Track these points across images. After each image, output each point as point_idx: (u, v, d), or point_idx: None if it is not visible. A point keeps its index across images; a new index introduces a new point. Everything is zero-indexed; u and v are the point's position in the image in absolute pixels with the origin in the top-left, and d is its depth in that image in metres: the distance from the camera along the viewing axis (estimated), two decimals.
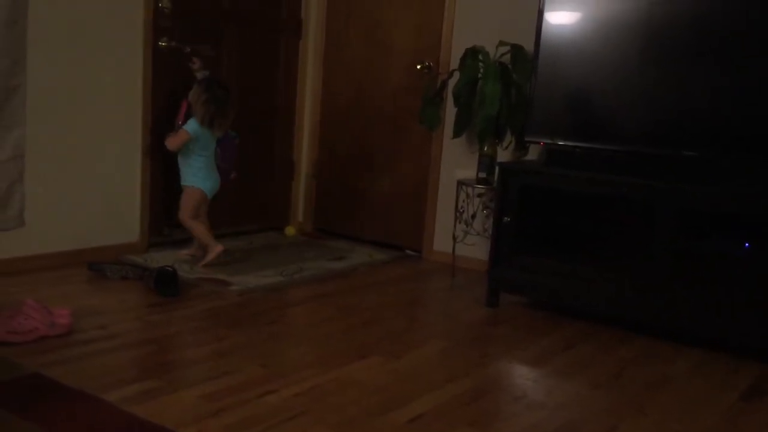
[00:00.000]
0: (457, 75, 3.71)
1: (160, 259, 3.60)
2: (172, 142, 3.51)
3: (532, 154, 3.67)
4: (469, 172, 3.83)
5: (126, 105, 3.60)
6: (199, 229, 3.61)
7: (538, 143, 3.41)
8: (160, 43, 3.69)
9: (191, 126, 3.49)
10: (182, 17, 3.79)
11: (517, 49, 3.57)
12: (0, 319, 2.47)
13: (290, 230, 4.50)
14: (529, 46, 3.45)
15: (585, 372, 2.62)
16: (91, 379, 2.21)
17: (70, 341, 2.51)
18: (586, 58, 3.18)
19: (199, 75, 3.65)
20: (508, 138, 3.70)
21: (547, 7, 3.24)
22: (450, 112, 3.88)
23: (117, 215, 3.65)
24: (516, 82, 3.56)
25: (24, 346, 2.41)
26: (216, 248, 3.59)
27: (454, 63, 3.80)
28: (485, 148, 3.65)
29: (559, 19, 3.23)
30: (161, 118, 3.71)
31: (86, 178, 3.49)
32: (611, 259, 3.08)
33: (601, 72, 3.15)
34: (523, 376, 2.58)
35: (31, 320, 2.47)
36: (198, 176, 3.57)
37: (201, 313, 2.94)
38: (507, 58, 3.62)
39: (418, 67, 4.11)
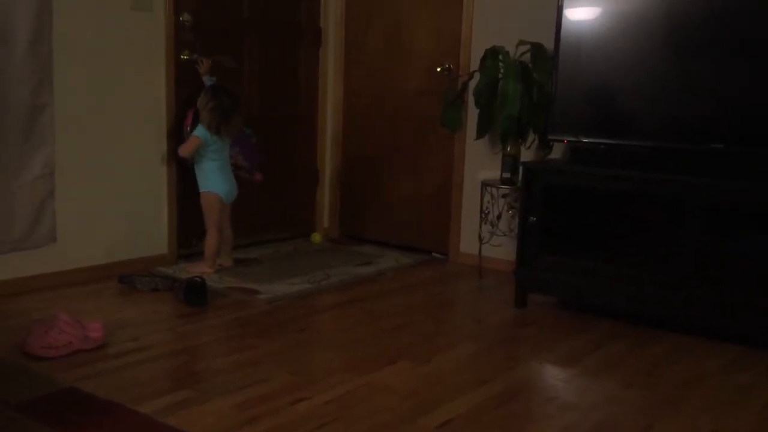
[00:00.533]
0: (477, 76, 3.70)
1: (189, 270, 3.63)
2: (184, 149, 3.54)
3: (556, 152, 3.65)
4: (493, 172, 3.82)
5: (150, 119, 3.65)
6: (212, 242, 3.63)
7: (562, 141, 3.39)
8: (181, 56, 3.74)
9: (200, 131, 3.52)
10: (202, 30, 3.83)
11: (536, 48, 3.56)
12: (35, 334, 2.52)
13: (316, 237, 4.52)
14: (549, 45, 3.43)
15: (616, 371, 2.60)
16: (126, 391, 2.24)
17: (104, 354, 2.55)
18: (607, 54, 3.15)
19: (207, 80, 3.67)
20: (531, 137, 3.68)
21: (566, 4, 3.22)
22: (471, 113, 3.87)
23: (146, 228, 3.70)
24: (537, 81, 3.55)
25: (59, 361, 2.45)
26: (208, 269, 3.60)
27: (474, 64, 3.79)
28: (508, 148, 3.64)
29: (578, 15, 3.21)
30: (183, 131, 3.75)
31: (114, 193, 3.54)
32: (639, 257, 3.04)
33: (623, 67, 3.13)
34: (553, 377, 2.57)
35: (64, 335, 2.51)
36: (212, 180, 3.60)
37: (230, 323, 2.97)
38: (527, 57, 3.60)
39: (438, 69, 4.11)
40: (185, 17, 3.74)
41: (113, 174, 3.53)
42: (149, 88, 3.62)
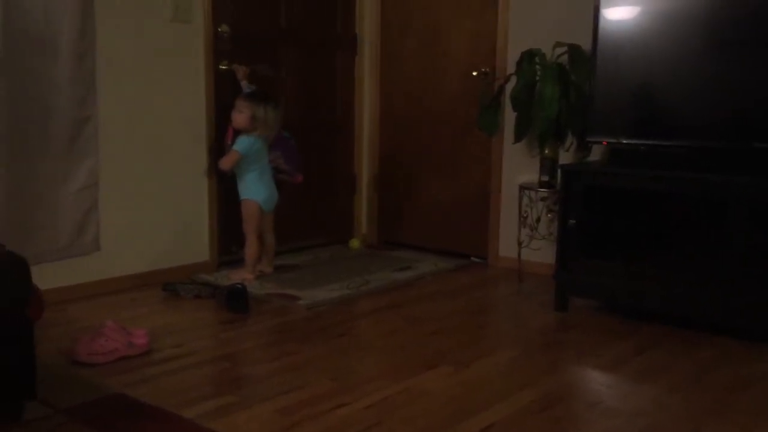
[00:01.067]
0: (513, 79, 3.68)
1: (230, 276, 3.68)
2: (224, 163, 3.57)
3: (595, 154, 3.61)
4: (531, 175, 3.79)
5: (191, 129, 3.71)
6: (252, 249, 3.67)
7: (601, 143, 3.35)
8: (220, 67, 3.79)
9: (240, 144, 3.54)
10: (240, 40, 3.89)
11: (574, 49, 3.53)
12: (82, 341, 2.58)
13: (355, 243, 4.54)
14: (586, 46, 3.40)
15: (662, 376, 2.55)
16: (170, 396, 2.28)
17: (149, 360, 2.59)
18: (646, 53, 3.11)
19: (245, 87, 3.71)
20: (569, 139, 3.65)
21: (603, 4, 3.19)
22: (508, 116, 3.85)
23: (188, 236, 3.76)
24: (575, 83, 3.52)
25: (105, 367, 2.51)
26: (248, 275, 3.63)
27: (511, 67, 3.77)
28: (546, 151, 3.61)
29: (616, 15, 3.17)
30: (223, 143, 3.81)
31: (157, 202, 3.61)
32: (682, 259, 2.99)
33: (663, 66, 3.08)
34: (596, 382, 2.54)
35: (111, 341, 2.57)
36: (251, 189, 3.64)
37: (271, 329, 3.00)
38: (564, 59, 3.57)
39: (475, 73, 4.10)
40: (223, 28, 3.80)
41: (155, 183, 3.59)
42: (189, 98, 3.68)
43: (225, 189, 3.85)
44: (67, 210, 3.24)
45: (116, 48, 3.35)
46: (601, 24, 3.20)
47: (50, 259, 3.15)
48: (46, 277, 2.96)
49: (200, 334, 2.90)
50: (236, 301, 3.17)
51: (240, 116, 3.52)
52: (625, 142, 3.19)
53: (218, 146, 3.75)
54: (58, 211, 3.21)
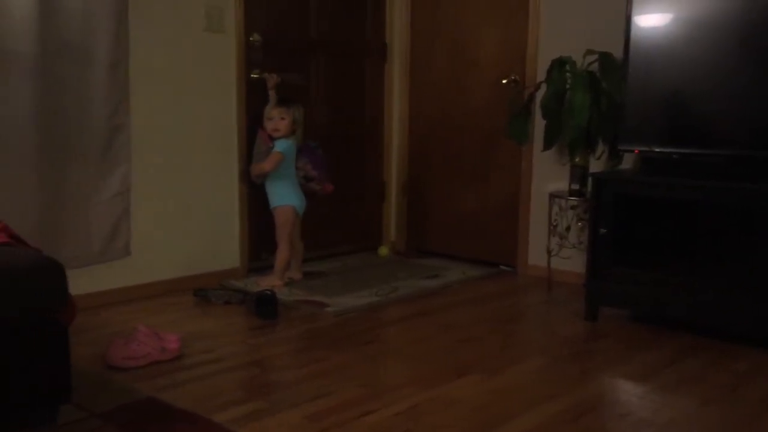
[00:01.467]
0: (543, 87, 3.67)
1: (259, 283, 3.71)
2: (268, 165, 3.59)
3: (626, 162, 3.58)
4: (561, 184, 3.77)
5: (223, 136, 3.75)
6: (284, 256, 3.69)
7: (632, 151, 3.32)
8: (251, 75, 3.84)
9: (282, 146, 3.59)
10: (271, 49, 3.93)
11: (605, 57, 3.50)
12: (116, 345, 2.61)
13: (383, 250, 4.54)
14: (617, 53, 3.38)
15: (694, 387, 2.51)
16: (201, 401, 2.30)
17: (180, 365, 2.62)
18: (679, 61, 3.08)
19: (273, 96, 3.75)
20: (600, 147, 3.62)
21: (635, 11, 3.17)
22: (538, 125, 3.84)
23: (218, 243, 3.80)
24: (606, 91, 3.49)
25: (138, 371, 2.54)
26: (278, 282, 3.66)
27: (541, 75, 3.76)
28: (577, 159, 3.59)
29: (648, 22, 3.15)
30: (256, 149, 3.84)
31: (188, 209, 3.65)
32: (714, 268, 2.95)
33: (697, 74, 3.05)
34: (627, 392, 2.51)
35: (143, 346, 2.60)
36: (286, 195, 3.68)
37: (300, 335, 3.02)
38: (595, 67, 3.55)
39: (504, 81, 4.10)
40: (255, 37, 3.84)
41: (186, 191, 3.64)
42: (221, 107, 3.73)
43: (255, 196, 3.89)
44: (99, 216, 3.29)
45: (149, 57, 3.40)
46: (633, 31, 3.17)
47: (83, 265, 3.21)
48: (79, 282, 3.01)
49: (230, 340, 2.93)
50: (265, 307, 3.20)
51: (283, 123, 3.59)
52: (657, 150, 3.16)
53: (248, 154, 3.79)
54: (91, 218, 3.27)
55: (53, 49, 3.05)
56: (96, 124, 3.23)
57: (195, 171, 3.66)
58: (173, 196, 3.59)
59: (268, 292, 3.26)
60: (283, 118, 3.59)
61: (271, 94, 3.77)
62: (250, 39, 3.83)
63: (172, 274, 3.60)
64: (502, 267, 4.23)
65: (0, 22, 2.89)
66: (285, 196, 3.68)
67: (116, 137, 3.32)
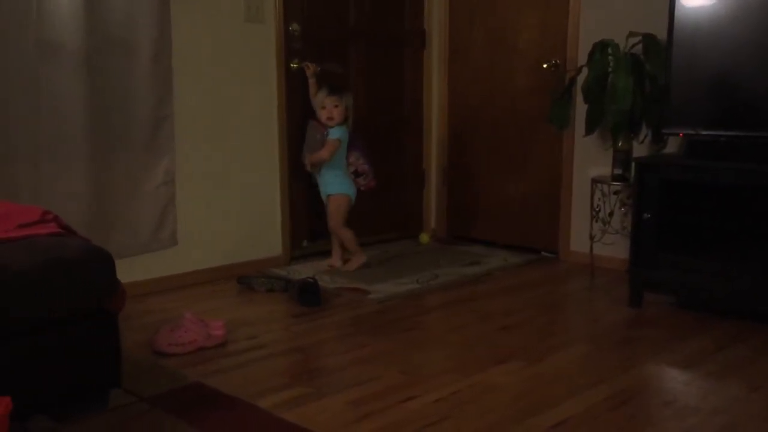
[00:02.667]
0: (585, 71, 3.62)
1: (301, 270, 3.76)
2: (326, 153, 3.63)
3: (670, 147, 3.51)
4: (604, 169, 3.72)
5: (264, 125, 3.80)
6: (350, 236, 3.77)
7: (677, 135, 3.26)
8: (291, 65, 3.86)
9: (338, 133, 3.64)
10: (310, 39, 3.95)
11: (648, 39, 3.44)
12: (162, 332, 2.68)
13: (424, 237, 4.55)
14: (661, 35, 3.31)
15: (741, 374, 2.47)
16: (246, 386, 2.35)
17: (225, 351, 2.68)
18: (725, 41, 3.00)
19: (313, 85, 3.78)
20: (644, 131, 3.56)
21: None
22: (580, 109, 3.79)
23: (261, 231, 3.85)
24: (649, 73, 3.43)
25: (185, 357, 2.60)
26: (361, 258, 3.76)
27: (582, 59, 3.71)
28: (620, 144, 3.54)
29: (692, 2, 3.07)
30: (296, 136, 3.88)
31: (231, 198, 3.71)
32: (762, 254, 2.88)
33: (743, 54, 2.97)
34: (672, 380, 2.48)
35: (190, 332, 2.66)
36: (343, 183, 3.74)
37: (342, 322, 3.05)
38: (638, 49, 3.48)
39: (545, 66, 4.05)
40: (294, 27, 3.87)
41: (230, 180, 3.69)
42: (261, 96, 3.77)
43: (297, 185, 3.92)
44: (146, 206, 3.37)
45: (191, 48, 3.45)
46: (677, 12, 3.10)
47: (131, 254, 3.29)
48: (127, 270, 3.09)
49: (274, 327, 2.97)
50: (308, 294, 3.23)
51: (337, 110, 3.64)
52: (702, 133, 3.09)
53: (298, 143, 3.81)
54: (138, 208, 3.34)
55: (99, 43, 3.11)
56: (141, 116, 3.29)
57: (237, 160, 3.71)
58: (216, 185, 3.64)
59: (310, 280, 3.30)
60: (336, 106, 3.64)
61: (311, 82, 3.79)
62: (290, 29, 3.85)
63: (216, 263, 3.67)
64: (544, 253, 4.20)
65: (50, 17, 2.96)
66: (341, 185, 3.74)
67: (160, 128, 3.38)
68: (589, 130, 3.65)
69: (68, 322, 2.01)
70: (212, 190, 3.63)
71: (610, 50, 3.50)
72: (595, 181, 3.70)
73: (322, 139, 3.65)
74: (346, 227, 3.78)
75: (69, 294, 1.98)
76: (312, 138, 3.71)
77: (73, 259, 2.00)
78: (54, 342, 1.99)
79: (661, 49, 3.34)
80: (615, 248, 3.76)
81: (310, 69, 3.80)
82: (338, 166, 3.72)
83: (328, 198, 3.77)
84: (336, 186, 3.74)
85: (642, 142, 3.59)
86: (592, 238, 3.76)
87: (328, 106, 3.64)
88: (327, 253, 3.97)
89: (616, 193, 3.71)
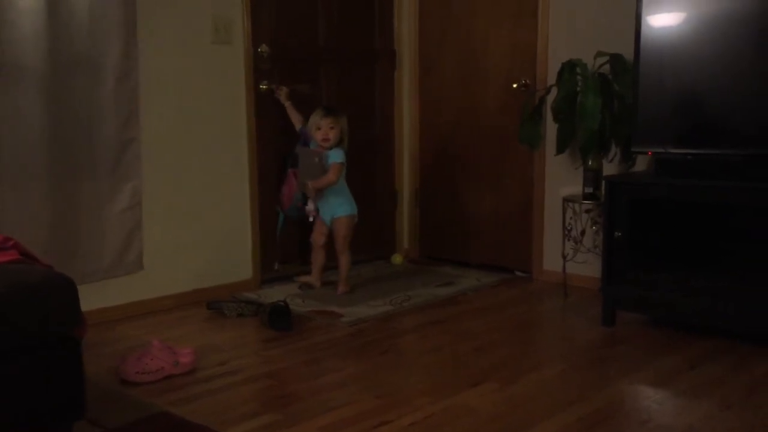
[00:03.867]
0: (554, 91, 3.64)
1: (272, 294, 3.70)
2: (334, 177, 3.60)
3: (639, 165, 3.54)
4: (575, 188, 3.73)
5: (233, 148, 3.75)
6: (349, 261, 3.76)
7: (646, 153, 3.29)
8: (261, 86, 3.84)
9: (339, 155, 3.62)
10: (280, 59, 3.93)
11: (616, 59, 3.47)
12: (129, 360, 2.61)
13: (397, 258, 4.52)
14: (628, 54, 3.34)
15: (714, 392, 2.47)
16: (215, 414, 2.29)
17: (194, 379, 2.61)
18: (692, 60, 3.04)
19: (288, 103, 3.77)
20: (613, 150, 3.59)
21: (645, 11, 3.13)
22: (550, 128, 3.81)
23: (230, 255, 3.79)
24: (618, 93, 3.46)
25: (152, 386, 2.53)
26: (348, 285, 3.75)
27: (551, 78, 3.74)
28: (590, 162, 3.56)
29: (659, 21, 3.11)
30: (267, 158, 3.84)
31: (199, 222, 3.65)
32: (732, 271, 2.91)
33: (710, 72, 3.01)
34: (647, 398, 2.47)
35: (157, 360, 2.59)
36: (347, 204, 3.73)
37: (314, 346, 3.00)
38: (606, 69, 3.52)
39: (515, 86, 4.07)
40: (263, 48, 3.84)
41: (198, 204, 3.63)
42: (231, 118, 3.73)
43: (266, 208, 3.88)
44: (111, 230, 3.30)
45: (158, 69, 3.41)
46: (644, 31, 3.14)
47: (95, 279, 3.21)
48: (92, 296, 3.02)
49: (244, 352, 2.91)
50: (279, 319, 3.18)
51: (333, 132, 3.62)
52: (671, 151, 3.12)
53: (270, 164, 3.77)
54: (102, 232, 3.27)
55: (63, 63, 3.06)
56: (106, 138, 3.23)
57: (206, 183, 3.66)
58: (184, 208, 3.58)
59: (282, 304, 3.25)
60: (332, 128, 3.61)
61: (288, 105, 3.77)
62: (259, 50, 3.83)
63: (184, 287, 3.60)
64: (517, 273, 4.20)
65: (11, 37, 2.90)
66: (347, 206, 3.72)
67: (126, 151, 3.32)
68: (559, 150, 3.67)
69: (29, 350, 1.94)
70: (180, 214, 3.57)
71: (578, 70, 3.53)
72: (566, 200, 3.71)
73: (321, 162, 3.62)
74: (349, 252, 3.75)
75: (30, 321, 1.92)
76: (309, 164, 3.64)
77: (34, 285, 1.94)
78: (14, 371, 1.92)
79: (628, 69, 3.38)
80: (587, 267, 3.77)
81: (283, 92, 3.78)
82: (342, 187, 3.69)
83: (333, 220, 3.72)
84: (343, 208, 3.71)
85: (611, 160, 3.61)
86: (564, 257, 3.76)
87: (323, 128, 3.61)
88: (299, 275, 3.93)
89: (587, 211, 3.72)
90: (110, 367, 2.66)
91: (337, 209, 3.71)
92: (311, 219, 3.74)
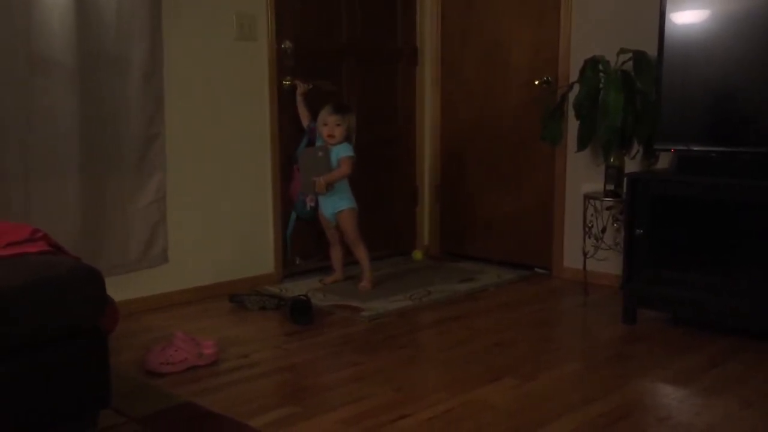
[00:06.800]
0: (576, 87, 3.63)
1: (294, 288, 3.74)
2: (348, 170, 3.63)
3: (662, 162, 3.52)
4: (596, 185, 3.72)
5: (256, 142, 3.79)
6: (365, 253, 3.77)
7: (668, 150, 3.27)
8: (284, 82, 3.87)
9: (349, 149, 3.65)
10: (303, 56, 3.96)
11: (639, 55, 3.46)
12: (154, 351, 2.66)
13: (417, 254, 4.54)
14: (651, 51, 3.33)
15: (735, 390, 2.46)
16: (237, 406, 2.33)
17: (217, 370, 2.65)
18: (716, 57, 3.02)
19: (300, 98, 3.79)
20: (636, 147, 3.57)
21: (669, 8, 3.12)
22: (572, 125, 3.80)
23: (252, 249, 3.84)
24: (640, 90, 3.44)
25: (176, 376, 2.58)
26: (368, 284, 3.76)
27: (573, 75, 3.73)
28: (611, 160, 3.54)
29: (683, 18, 3.09)
30: (289, 153, 3.88)
31: (222, 215, 3.69)
32: (755, 270, 2.88)
33: (734, 69, 2.99)
34: (666, 396, 2.47)
35: (181, 351, 2.64)
36: (350, 198, 3.74)
37: (335, 340, 3.03)
38: (629, 66, 3.50)
39: (537, 82, 4.07)
40: (287, 45, 3.88)
41: (221, 197, 3.68)
42: (254, 114, 3.77)
43: (288, 202, 3.91)
44: (136, 224, 3.35)
45: (183, 66, 3.45)
46: (668, 28, 3.12)
47: (122, 272, 3.27)
48: (118, 288, 3.06)
49: (266, 345, 2.95)
50: (300, 312, 3.21)
51: (339, 129, 3.63)
52: (694, 149, 3.10)
53: (292, 159, 3.81)
54: (128, 226, 3.32)
55: (91, 60, 3.11)
56: (132, 133, 3.28)
57: (229, 178, 3.70)
58: (208, 202, 3.63)
59: (303, 298, 3.28)
60: (338, 125, 3.63)
61: (299, 100, 3.79)
62: (282, 46, 3.86)
63: (208, 280, 3.65)
64: (537, 270, 4.20)
65: (42, 34, 2.96)
66: (349, 200, 3.74)
67: (152, 146, 3.37)
68: (581, 147, 3.66)
69: (57, 341, 1.99)
70: (204, 208, 3.62)
71: (601, 67, 3.52)
72: (587, 197, 3.70)
73: (325, 156, 3.63)
74: (363, 243, 3.77)
75: (58, 313, 1.96)
76: (313, 162, 3.65)
77: (62, 277, 1.98)
78: (43, 361, 1.96)
79: (651, 66, 3.36)
80: (608, 264, 3.76)
81: (301, 88, 3.81)
82: (341, 183, 3.71)
83: (337, 215, 3.74)
84: (344, 202, 3.72)
85: (633, 157, 3.60)
86: (585, 254, 3.76)
87: (330, 124, 3.63)
88: (319, 271, 3.97)
89: (608, 209, 3.71)
90: (135, 358, 2.72)
91: (338, 203, 3.72)
92: (312, 205, 3.74)
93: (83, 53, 3.07)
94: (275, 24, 3.80)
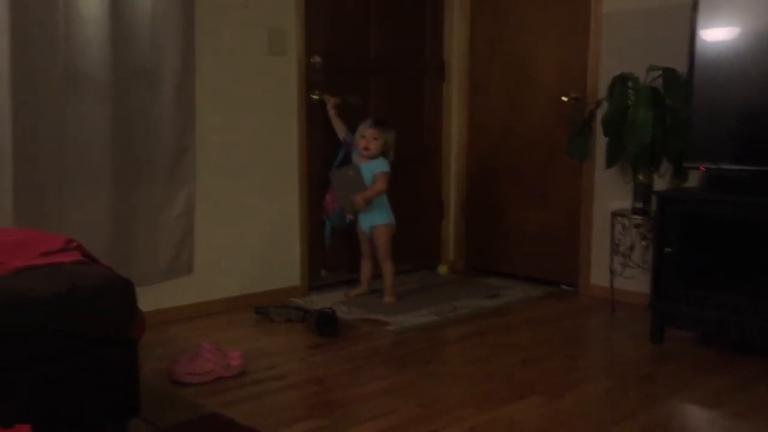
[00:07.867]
0: (605, 104, 3.62)
1: (319, 301, 3.75)
2: (384, 186, 3.66)
3: (692, 181, 3.49)
4: (624, 202, 3.70)
5: (284, 157, 3.82)
6: (393, 269, 3.78)
7: (698, 169, 3.24)
8: (312, 96, 3.90)
9: (385, 165, 3.69)
10: (331, 70, 3.99)
11: (668, 73, 3.44)
12: (181, 361, 2.68)
13: (443, 269, 4.53)
14: (681, 68, 3.31)
15: (764, 414, 2.42)
16: (263, 417, 2.34)
17: (243, 382, 2.67)
18: (747, 75, 3.00)
19: (333, 112, 3.83)
20: (665, 165, 3.54)
21: (699, 25, 3.10)
22: (600, 142, 3.78)
23: (279, 261, 3.86)
24: (670, 107, 3.42)
25: (203, 387, 2.60)
26: (392, 298, 3.76)
27: (602, 92, 3.72)
28: (640, 177, 3.52)
29: (714, 36, 3.08)
30: (316, 167, 3.90)
31: (250, 227, 3.72)
32: None
33: (766, 87, 2.96)
34: (695, 418, 2.43)
35: (208, 362, 2.66)
36: (388, 213, 3.77)
37: (360, 353, 3.03)
38: (658, 83, 3.48)
39: (565, 99, 4.06)
40: (316, 59, 3.91)
41: (249, 210, 3.71)
42: (282, 127, 3.80)
43: (315, 216, 3.94)
44: (166, 235, 3.39)
45: (214, 79, 3.50)
46: (699, 45, 3.11)
47: (150, 282, 3.30)
48: (146, 298, 3.09)
49: (292, 357, 2.96)
50: (326, 325, 3.22)
51: (375, 143, 3.67)
52: (724, 167, 3.07)
53: (320, 173, 3.84)
54: (158, 236, 3.36)
55: (125, 74, 3.16)
56: (164, 146, 3.33)
57: (257, 190, 3.73)
58: (236, 215, 3.66)
59: (329, 310, 3.29)
60: (375, 138, 3.66)
61: (332, 114, 3.83)
62: (311, 61, 3.90)
63: (234, 292, 3.68)
64: (564, 287, 4.17)
65: (78, 48, 3.02)
66: (388, 215, 3.77)
67: (182, 158, 3.41)
68: (610, 163, 3.64)
69: (89, 349, 2.02)
70: (231, 220, 3.65)
71: (630, 84, 3.51)
72: (615, 215, 3.68)
73: (356, 174, 3.66)
74: (391, 260, 3.79)
75: (90, 322, 1.99)
76: (345, 181, 3.68)
77: (95, 287, 2.01)
78: (74, 370, 1.99)
79: (681, 83, 3.34)
80: (636, 282, 3.73)
81: (331, 102, 3.84)
82: (382, 197, 3.73)
83: (373, 230, 3.76)
84: (382, 217, 3.75)
85: (663, 175, 3.57)
86: (612, 272, 3.73)
87: (367, 137, 3.67)
88: (346, 284, 3.98)
89: (636, 226, 3.68)
90: (163, 368, 2.74)
91: (375, 218, 3.74)
92: (351, 218, 3.77)
93: (117, 67, 3.12)
94: (305, 39, 3.84)
